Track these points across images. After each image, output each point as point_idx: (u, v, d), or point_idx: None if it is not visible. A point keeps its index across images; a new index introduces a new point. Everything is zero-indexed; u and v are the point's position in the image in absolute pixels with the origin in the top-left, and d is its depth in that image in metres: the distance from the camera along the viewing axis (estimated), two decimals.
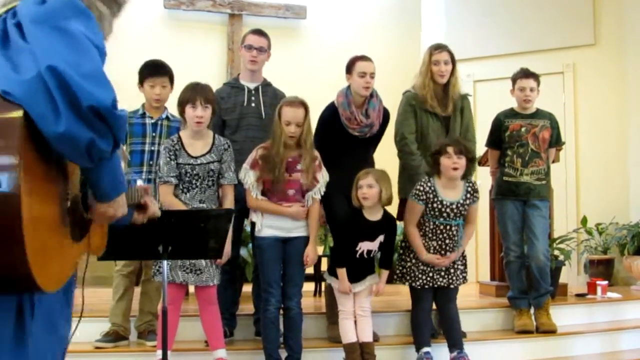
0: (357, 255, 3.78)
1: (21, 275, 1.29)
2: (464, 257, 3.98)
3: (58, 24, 1.44)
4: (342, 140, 4.06)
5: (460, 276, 3.94)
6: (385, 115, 4.22)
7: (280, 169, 3.63)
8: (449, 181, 3.88)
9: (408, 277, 3.90)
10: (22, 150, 1.31)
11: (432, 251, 3.87)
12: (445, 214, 3.87)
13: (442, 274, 3.87)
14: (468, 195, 3.91)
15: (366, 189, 3.71)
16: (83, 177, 1.59)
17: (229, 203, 3.68)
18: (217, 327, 3.63)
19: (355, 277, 3.81)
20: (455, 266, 3.91)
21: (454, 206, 3.87)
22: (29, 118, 1.35)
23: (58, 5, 1.46)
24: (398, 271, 3.97)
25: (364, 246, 3.77)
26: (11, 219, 1.26)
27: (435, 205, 3.86)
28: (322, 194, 3.76)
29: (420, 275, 3.87)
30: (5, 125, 1.31)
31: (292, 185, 3.68)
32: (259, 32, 4.25)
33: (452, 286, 3.90)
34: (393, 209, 4.28)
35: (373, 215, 3.79)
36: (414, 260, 3.89)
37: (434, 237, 3.89)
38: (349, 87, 4.09)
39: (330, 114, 4.10)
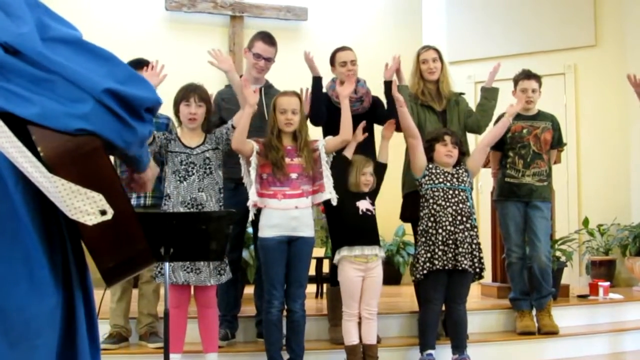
0: (361, 213, 3.81)
1: (146, 253, 1.54)
2: (478, 244, 3.92)
3: (51, 35, 1.45)
4: (335, 121, 4.12)
5: (479, 263, 3.88)
6: (376, 101, 4.31)
7: (282, 155, 3.64)
8: (441, 165, 3.99)
9: (429, 264, 3.82)
10: (114, 169, 1.47)
11: (449, 218, 3.85)
12: (449, 178, 3.93)
13: (466, 256, 3.81)
14: (461, 164, 4.03)
15: (369, 177, 3.86)
16: (124, 160, 1.74)
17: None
18: (213, 331, 3.63)
19: (363, 238, 3.80)
20: (474, 252, 3.86)
21: (453, 172, 3.96)
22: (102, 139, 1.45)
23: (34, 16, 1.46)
24: (417, 264, 3.88)
25: (362, 205, 3.82)
26: (134, 227, 1.48)
27: (438, 172, 3.94)
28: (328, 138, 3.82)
29: (439, 257, 3.80)
30: (95, 156, 1.43)
31: (295, 169, 3.68)
32: (270, 42, 4.21)
33: (471, 269, 3.84)
34: (397, 206, 4.28)
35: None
36: (432, 247, 3.83)
37: (448, 204, 3.88)
38: (335, 78, 4.28)
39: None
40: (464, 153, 4.09)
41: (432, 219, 3.89)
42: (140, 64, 3.95)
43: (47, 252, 1.40)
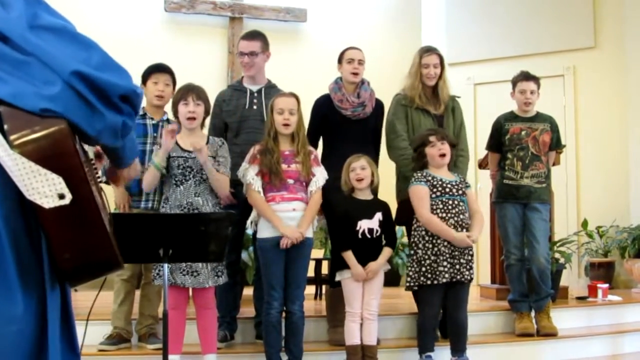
0: (360, 236, 3.76)
1: (110, 256, 1.50)
2: (471, 254, 3.90)
3: (39, 23, 1.47)
4: (337, 124, 4.14)
5: (470, 271, 3.84)
6: (379, 105, 4.31)
7: (277, 158, 3.63)
8: (438, 169, 3.94)
9: (429, 275, 3.78)
10: (78, 154, 1.44)
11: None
12: (449, 190, 3.87)
13: (466, 266, 3.78)
14: (460, 179, 3.98)
15: (360, 171, 3.80)
16: (104, 151, 1.72)
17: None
18: (211, 332, 3.62)
19: (364, 263, 3.76)
20: (470, 264, 3.83)
21: (454, 183, 3.90)
22: (70, 124, 1.44)
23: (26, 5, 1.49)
24: (413, 274, 3.84)
25: (364, 224, 3.77)
26: (93, 218, 1.45)
27: (436, 183, 3.88)
28: (320, 186, 3.74)
29: (444, 270, 3.76)
30: (58, 138, 1.41)
31: (291, 175, 3.68)
32: (250, 36, 4.23)
33: (469, 279, 3.81)
34: (392, 212, 4.28)
35: (364, 196, 3.85)
36: (433, 257, 3.80)
37: (449, 215, 3.82)
38: (339, 77, 4.26)
39: (323, 98, 4.27)
40: (454, 145, 4.03)
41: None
42: (160, 68, 3.98)
43: (15, 243, 1.39)
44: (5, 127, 1.38)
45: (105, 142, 1.55)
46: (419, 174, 3.93)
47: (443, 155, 3.89)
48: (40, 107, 1.40)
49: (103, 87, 1.46)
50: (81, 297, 1.78)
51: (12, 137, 1.37)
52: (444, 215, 3.83)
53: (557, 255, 5.23)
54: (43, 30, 1.46)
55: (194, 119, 3.65)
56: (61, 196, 1.39)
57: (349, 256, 3.74)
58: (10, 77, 1.41)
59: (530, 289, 4.50)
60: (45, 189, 1.38)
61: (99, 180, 1.70)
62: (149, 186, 3.64)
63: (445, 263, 3.77)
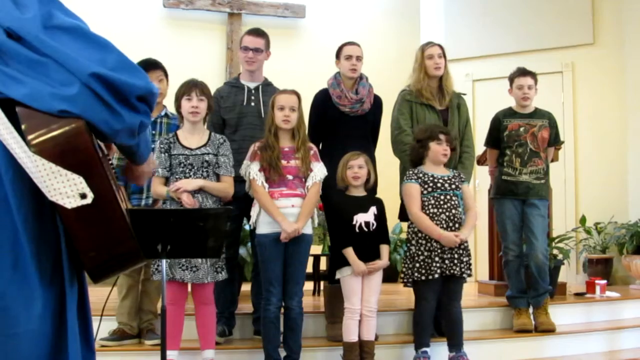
0: (357, 230, 3.77)
1: (133, 249, 1.53)
2: (468, 250, 3.91)
3: (54, 23, 1.47)
4: (335, 120, 4.14)
5: (468, 267, 3.86)
6: (377, 101, 4.30)
7: (277, 154, 3.64)
8: (434, 165, 3.95)
9: (423, 271, 3.80)
10: (95, 150, 1.44)
11: (443, 225, 3.81)
12: (440, 185, 3.88)
13: (455, 261, 3.80)
14: (455, 174, 3.98)
15: (357, 169, 3.81)
16: (120, 149, 1.71)
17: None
18: (210, 328, 3.62)
19: (364, 256, 3.77)
20: (462, 258, 3.83)
21: (445, 178, 3.91)
22: (87, 123, 1.44)
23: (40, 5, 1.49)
24: (407, 270, 3.86)
25: (360, 218, 3.79)
26: (114, 213, 1.46)
27: (427, 180, 3.89)
28: (319, 179, 3.74)
29: (436, 265, 3.77)
30: (75, 134, 1.41)
31: (290, 171, 3.68)
32: (255, 33, 4.24)
33: (464, 275, 3.83)
34: (395, 210, 4.28)
35: (358, 193, 3.87)
36: (426, 253, 3.81)
37: (440, 211, 3.84)
38: (338, 72, 4.26)
39: (322, 93, 4.27)
40: (454, 149, 4.06)
41: None
42: (151, 65, 3.96)
43: (34, 242, 1.39)
44: (23, 127, 1.38)
45: (122, 141, 1.55)
46: (411, 172, 3.95)
47: (445, 155, 3.92)
48: (58, 109, 1.39)
49: (120, 88, 1.45)
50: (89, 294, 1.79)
51: (29, 137, 1.37)
52: (436, 210, 3.84)
53: (555, 251, 5.24)
54: (58, 31, 1.46)
55: (197, 113, 3.65)
56: (83, 195, 1.40)
57: (350, 253, 3.75)
58: (26, 77, 1.41)
59: (528, 285, 4.51)
60: (67, 189, 1.38)
61: (114, 175, 1.70)
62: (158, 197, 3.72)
63: (437, 259, 3.79)
